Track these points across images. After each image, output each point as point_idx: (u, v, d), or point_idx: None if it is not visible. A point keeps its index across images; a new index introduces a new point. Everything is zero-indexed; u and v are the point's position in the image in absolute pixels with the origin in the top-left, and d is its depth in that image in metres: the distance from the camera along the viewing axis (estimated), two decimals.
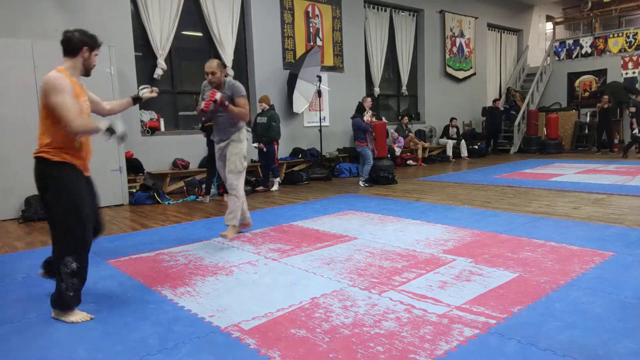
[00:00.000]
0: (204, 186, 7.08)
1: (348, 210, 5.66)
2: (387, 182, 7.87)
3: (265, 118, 7.61)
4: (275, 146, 7.72)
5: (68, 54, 2.75)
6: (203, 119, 6.50)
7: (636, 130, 10.30)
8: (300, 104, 9.13)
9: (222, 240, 4.39)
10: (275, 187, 7.72)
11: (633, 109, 10.44)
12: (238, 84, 4.35)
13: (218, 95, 4.05)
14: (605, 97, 11.58)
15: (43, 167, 2.66)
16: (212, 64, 4.22)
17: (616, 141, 12.27)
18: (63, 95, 2.57)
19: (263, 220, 5.25)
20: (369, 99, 8.20)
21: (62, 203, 2.63)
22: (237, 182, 4.33)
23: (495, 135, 12.99)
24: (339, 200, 6.48)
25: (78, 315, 2.69)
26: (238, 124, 4.37)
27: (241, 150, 4.37)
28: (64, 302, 2.67)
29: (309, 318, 2.59)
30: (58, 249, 2.68)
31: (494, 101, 12.84)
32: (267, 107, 7.66)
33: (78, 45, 2.73)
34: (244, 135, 4.44)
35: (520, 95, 14.34)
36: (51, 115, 2.61)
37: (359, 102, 8.14)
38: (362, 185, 7.82)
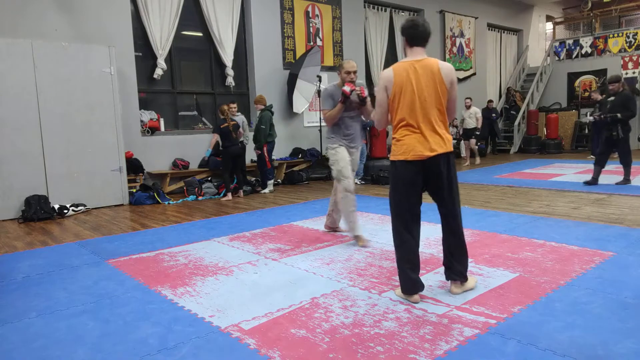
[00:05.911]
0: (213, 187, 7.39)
1: None
2: (387, 182, 7.87)
3: (258, 120, 7.39)
4: (265, 148, 7.38)
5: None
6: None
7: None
8: (300, 104, 9.13)
9: (222, 240, 4.40)
10: (266, 190, 7.56)
11: None
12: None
13: (366, 92, 4.13)
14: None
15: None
16: (354, 63, 4.19)
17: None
18: None
19: (263, 221, 5.25)
20: None
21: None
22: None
23: (491, 135, 12.95)
24: None
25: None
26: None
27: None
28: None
29: (309, 318, 2.59)
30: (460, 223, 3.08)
31: (489, 102, 12.82)
32: (263, 107, 7.39)
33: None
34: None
35: (520, 95, 14.34)
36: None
37: None
38: (358, 183, 7.87)
